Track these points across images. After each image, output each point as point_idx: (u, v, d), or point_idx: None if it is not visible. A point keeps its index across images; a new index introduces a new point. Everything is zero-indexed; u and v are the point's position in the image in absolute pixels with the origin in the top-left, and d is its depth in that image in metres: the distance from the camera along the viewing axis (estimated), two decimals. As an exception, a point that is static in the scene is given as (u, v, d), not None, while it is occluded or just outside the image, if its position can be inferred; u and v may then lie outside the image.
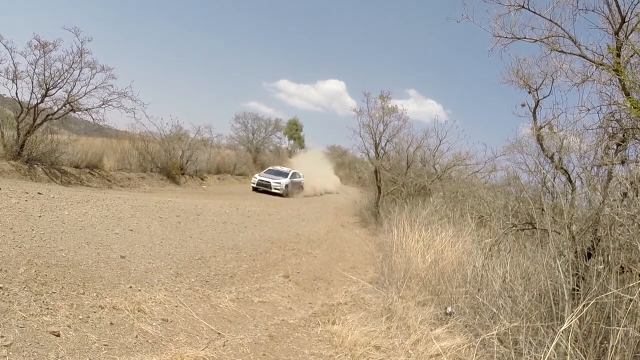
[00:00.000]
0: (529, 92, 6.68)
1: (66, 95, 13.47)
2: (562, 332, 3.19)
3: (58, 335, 3.37)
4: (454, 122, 19.93)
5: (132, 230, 7.02)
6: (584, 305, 3.23)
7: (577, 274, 4.15)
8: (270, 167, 24.96)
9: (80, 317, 3.77)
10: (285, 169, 24.29)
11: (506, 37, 5.73)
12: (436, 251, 6.82)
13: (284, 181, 22.14)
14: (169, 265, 5.72)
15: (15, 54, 12.47)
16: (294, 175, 23.68)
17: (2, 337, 3.07)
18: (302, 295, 6.15)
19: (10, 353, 2.95)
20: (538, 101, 6.66)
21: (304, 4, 53.38)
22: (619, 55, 4.32)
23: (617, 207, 4.04)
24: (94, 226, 6.66)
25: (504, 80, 6.77)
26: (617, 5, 4.43)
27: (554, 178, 6.30)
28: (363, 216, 16.16)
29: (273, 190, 21.33)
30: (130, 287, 4.70)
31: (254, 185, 21.84)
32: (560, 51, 5.18)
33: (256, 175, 22.65)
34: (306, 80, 59.95)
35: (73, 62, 13.26)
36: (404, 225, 8.03)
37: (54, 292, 4.03)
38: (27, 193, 8.10)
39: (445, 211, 9.38)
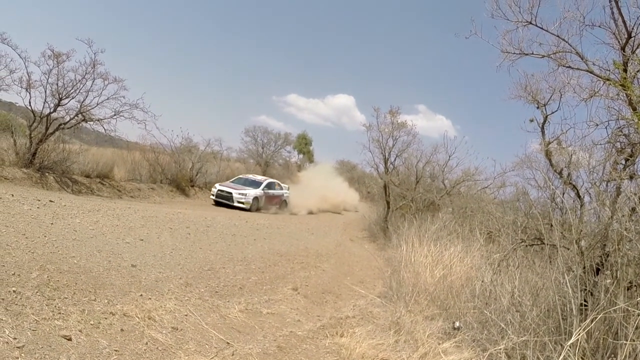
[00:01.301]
0: (538, 108, 6.73)
1: (78, 106, 13.83)
2: (570, 347, 3.20)
3: (69, 339, 3.43)
4: (463, 138, 20.07)
5: (142, 240, 7.12)
6: (591, 320, 3.23)
7: (585, 289, 4.15)
8: (240, 176, 20.86)
9: (92, 322, 3.84)
10: (259, 178, 20.42)
11: (514, 53, 5.83)
12: (445, 266, 6.82)
13: (252, 192, 18.24)
14: (179, 275, 5.79)
15: (29, 63, 12.83)
16: (270, 186, 19.88)
17: (15, 339, 3.14)
18: (311, 308, 6.17)
19: (23, 355, 3.02)
20: (546, 116, 6.70)
21: (314, 20, 54.19)
22: (625, 71, 4.37)
23: (626, 222, 4.05)
24: (105, 235, 6.77)
25: (512, 96, 6.84)
26: (623, 21, 4.50)
27: (563, 194, 6.31)
28: (372, 231, 16.15)
29: (236, 204, 17.49)
30: (141, 295, 4.76)
31: (213, 197, 18.20)
32: (567, 67, 5.26)
33: (216, 185, 18.56)
34: (316, 94, 60.49)
35: (86, 73, 13.61)
36: (412, 240, 8.05)
37: (66, 298, 4.11)
38: (39, 200, 8.26)
39: (454, 227, 9.38)
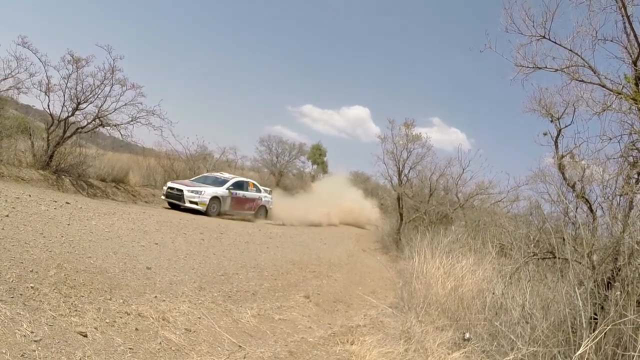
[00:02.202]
0: (551, 121, 6.74)
1: (96, 110, 14.15)
2: (579, 358, 3.22)
3: (85, 336, 3.57)
4: (477, 151, 19.89)
5: (157, 243, 7.27)
6: (599, 331, 3.26)
7: (596, 303, 4.16)
8: (206, 174, 17.89)
9: (107, 320, 3.98)
10: (225, 176, 17.08)
11: (528, 67, 5.90)
12: (456, 278, 6.83)
13: (210, 191, 15.09)
14: (192, 279, 5.92)
15: (49, 67, 13.21)
16: (239, 185, 16.56)
17: (33, 332, 3.28)
18: (322, 316, 6.24)
19: (40, 348, 3.15)
20: (560, 130, 6.70)
21: (330, 32, 54.68)
22: (637, 85, 4.41)
23: (638, 236, 4.07)
24: (121, 237, 6.95)
25: (526, 109, 6.86)
26: (635, 36, 4.55)
27: (577, 208, 6.30)
28: (384, 243, 16.12)
29: (187, 204, 14.47)
30: (155, 296, 4.89)
31: (164, 197, 15.33)
32: (580, 80, 5.30)
33: (168, 183, 15.57)
34: (331, 105, 60.77)
35: (104, 79, 13.94)
36: (425, 252, 8.08)
37: (82, 296, 4.26)
38: (56, 202, 8.50)
39: (466, 240, 9.37)
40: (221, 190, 15.65)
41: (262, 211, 17.44)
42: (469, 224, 11.57)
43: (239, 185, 16.57)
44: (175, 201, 14.77)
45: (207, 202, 14.74)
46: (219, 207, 15.38)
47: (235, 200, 16.11)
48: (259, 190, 17.57)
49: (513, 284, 5.66)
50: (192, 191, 14.72)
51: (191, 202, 14.49)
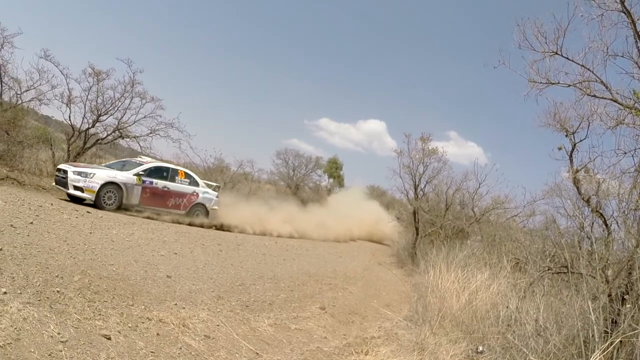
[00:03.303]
0: (566, 136, 6.79)
1: (116, 122, 14.56)
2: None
3: (109, 339, 3.76)
4: (493, 165, 19.70)
5: (176, 253, 7.48)
6: (610, 343, 3.30)
7: (609, 318, 4.19)
8: (127, 158, 13.83)
9: (130, 325, 4.17)
10: (145, 159, 13.19)
11: (541, 82, 6.00)
12: (471, 292, 6.87)
13: (104, 175, 11.17)
14: (211, 288, 6.08)
15: (70, 80, 13.69)
16: (159, 173, 12.46)
17: (59, 334, 3.49)
18: (337, 327, 6.33)
19: (66, 349, 3.35)
20: (575, 144, 6.73)
21: (347, 46, 55.22)
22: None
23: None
24: (141, 246, 7.17)
25: (541, 124, 6.94)
26: (645, 51, 4.63)
27: (593, 223, 6.30)
28: (400, 257, 16.11)
29: (71, 191, 10.74)
30: (176, 304, 5.07)
31: (54, 184, 11.50)
32: (593, 96, 5.38)
33: (61, 165, 11.77)
34: (347, 119, 61.02)
35: (124, 91, 14.41)
36: (440, 267, 8.13)
37: (106, 301, 4.46)
38: (77, 210, 8.79)
39: (482, 254, 9.37)
40: (125, 176, 11.54)
41: (200, 211, 13.25)
42: (485, 239, 11.54)
43: (157, 173, 12.44)
44: (61, 187, 11.13)
45: (97, 190, 10.82)
46: (120, 198, 11.29)
47: (150, 192, 11.98)
48: (194, 184, 13.38)
49: (527, 298, 5.69)
50: (78, 173, 10.85)
51: (76, 187, 10.74)
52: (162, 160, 14.49)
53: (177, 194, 12.73)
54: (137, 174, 11.78)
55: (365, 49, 53.63)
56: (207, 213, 13.43)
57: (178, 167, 13.64)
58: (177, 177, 12.94)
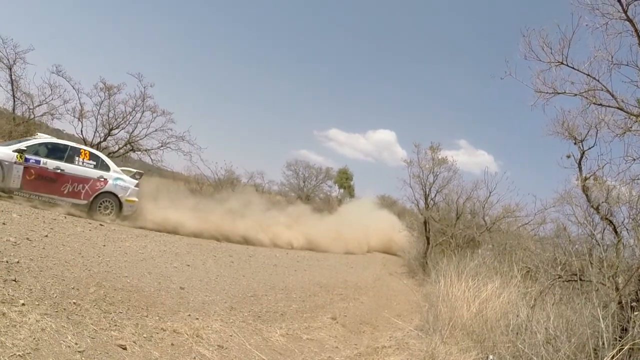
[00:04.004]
0: (575, 144, 6.80)
1: (127, 136, 14.85)
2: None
3: (125, 349, 3.86)
4: (504, 174, 19.61)
5: (189, 265, 7.59)
6: (618, 350, 3.32)
7: (619, 325, 4.20)
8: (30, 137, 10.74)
9: (144, 335, 4.27)
10: (44, 139, 10.21)
11: (547, 92, 6.05)
12: (481, 301, 6.87)
13: None
14: (223, 299, 6.17)
15: (82, 94, 14.01)
16: (50, 150, 9.92)
17: (77, 344, 3.60)
18: (348, 337, 6.38)
19: (83, 358, 3.47)
20: (583, 152, 6.74)
21: (356, 56, 55.53)
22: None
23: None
24: (154, 259, 7.29)
25: (549, 132, 6.96)
26: (648, 60, 4.68)
27: (604, 230, 6.30)
28: (411, 266, 16.07)
29: None
30: (189, 315, 5.17)
31: None
32: (599, 104, 5.42)
33: None
34: (357, 129, 61.07)
35: (136, 105, 14.71)
36: (451, 276, 8.14)
37: (121, 312, 4.57)
38: (90, 223, 8.96)
39: (493, 263, 9.35)
40: (2, 153, 9.17)
41: (111, 203, 10.70)
42: (496, 247, 11.49)
43: (49, 151, 9.95)
44: None
45: None
46: None
47: (36, 174, 9.55)
48: (104, 167, 10.77)
49: (538, 306, 5.69)
50: None
51: None
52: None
53: (76, 179, 10.15)
54: (19, 150, 9.28)
55: (375, 60, 53.91)
56: (120, 206, 10.79)
57: (81, 146, 10.98)
58: (77, 158, 10.29)
